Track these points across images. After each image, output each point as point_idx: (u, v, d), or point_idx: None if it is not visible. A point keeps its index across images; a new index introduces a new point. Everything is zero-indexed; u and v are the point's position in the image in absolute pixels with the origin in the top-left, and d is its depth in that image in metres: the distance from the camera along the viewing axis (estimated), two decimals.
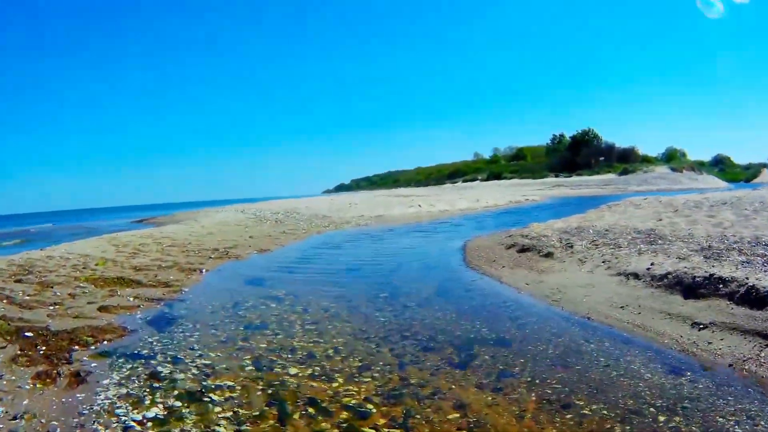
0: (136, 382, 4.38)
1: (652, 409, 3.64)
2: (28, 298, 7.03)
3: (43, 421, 3.61)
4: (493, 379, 4.36)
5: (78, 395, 4.07)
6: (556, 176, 60.86)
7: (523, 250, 10.12)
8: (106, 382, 4.36)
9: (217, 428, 3.57)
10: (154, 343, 5.46)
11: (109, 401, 3.96)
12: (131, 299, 7.34)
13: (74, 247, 12.42)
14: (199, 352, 5.20)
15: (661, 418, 3.50)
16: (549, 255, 9.22)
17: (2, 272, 8.65)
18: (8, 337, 5.32)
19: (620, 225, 11.33)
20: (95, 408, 3.84)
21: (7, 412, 3.69)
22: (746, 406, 3.62)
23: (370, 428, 3.60)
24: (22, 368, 4.54)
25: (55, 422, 3.61)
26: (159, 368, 4.72)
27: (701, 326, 5.07)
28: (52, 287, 7.72)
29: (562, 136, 76.46)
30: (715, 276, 5.80)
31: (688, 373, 4.23)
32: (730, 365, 4.30)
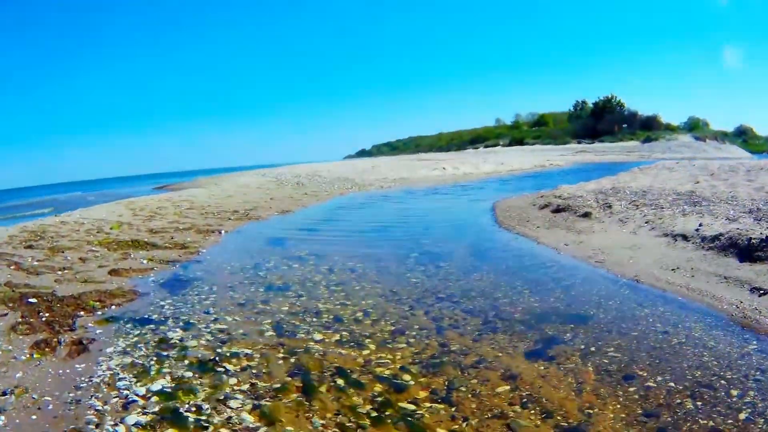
0: (143, 349, 3.89)
1: (723, 381, 3.11)
2: (36, 263, 6.63)
3: (35, 396, 3.14)
4: (542, 347, 3.83)
5: (77, 366, 3.60)
6: (579, 143, 59.13)
7: (558, 210, 9.63)
8: (110, 350, 3.88)
9: (231, 403, 3.05)
10: (166, 307, 4.97)
11: (111, 372, 3.48)
12: (145, 261, 6.89)
13: (89, 212, 12.10)
14: (215, 316, 4.70)
15: (734, 393, 2.97)
16: (587, 215, 8.75)
17: (13, 239, 8.31)
18: (11, 304, 4.89)
19: (657, 187, 11.00)
20: (95, 380, 3.36)
21: None
22: None
23: (409, 403, 3.06)
24: (21, 337, 4.09)
25: (48, 397, 3.13)
26: (169, 334, 4.22)
27: (761, 292, 4.53)
28: (62, 252, 7.32)
29: (584, 102, 74.26)
30: None
31: (754, 342, 3.68)
32: None
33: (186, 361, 3.66)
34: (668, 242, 6.44)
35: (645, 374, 3.27)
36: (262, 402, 3.07)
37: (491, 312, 4.63)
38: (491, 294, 5.19)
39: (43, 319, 4.55)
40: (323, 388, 3.24)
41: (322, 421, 2.86)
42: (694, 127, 65.92)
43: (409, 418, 2.88)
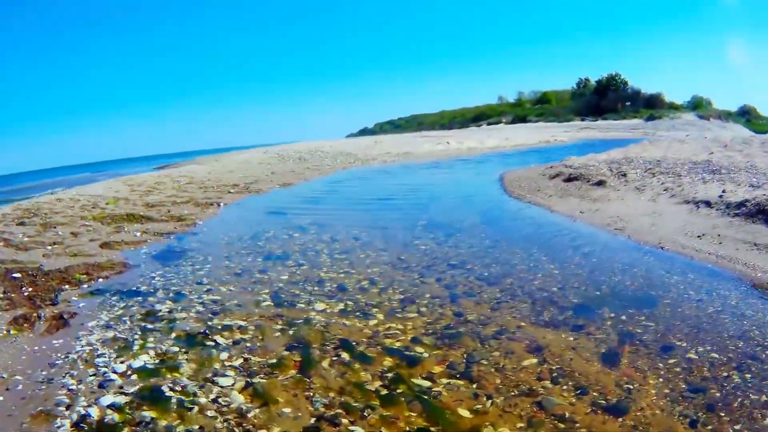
0: (128, 323, 3.55)
1: None
2: (27, 239, 6.29)
3: (4, 375, 2.81)
4: (569, 316, 3.49)
5: (55, 342, 3.27)
6: (582, 120, 58.31)
7: (570, 179, 9.26)
8: (91, 324, 3.54)
9: (221, 381, 2.70)
10: (156, 279, 4.62)
11: (90, 348, 3.14)
12: (138, 234, 6.54)
13: (86, 189, 11.76)
14: (208, 286, 4.35)
15: None
16: (601, 183, 8.44)
17: (6, 216, 7.96)
18: None
19: (671, 157, 10.80)
20: (71, 357, 3.02)
21: None
22: None
23: (424, 379, 2.70)
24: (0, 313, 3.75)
25: (19, 376, 2.80)
26: (157, 306, 3.88)
27: None
28: (54, 227, 6.97)
29: (587, 80, 72.98)
30: None
31: None
32: None
33: (173, 335, 3.31)
34: (690, 209, 6.18)
35: (684, 345, 2.94)
36: (256, 379, 2.71)
37: (508, 279, 4.28)
38: (507, 261, 4.84)
39: (26, 294, 4.23)
40: (325, 363, 2.89)
41: (324, 401, 2.50)
42: (697, 105, 64.97)
43: (424, 397, 2.52)
